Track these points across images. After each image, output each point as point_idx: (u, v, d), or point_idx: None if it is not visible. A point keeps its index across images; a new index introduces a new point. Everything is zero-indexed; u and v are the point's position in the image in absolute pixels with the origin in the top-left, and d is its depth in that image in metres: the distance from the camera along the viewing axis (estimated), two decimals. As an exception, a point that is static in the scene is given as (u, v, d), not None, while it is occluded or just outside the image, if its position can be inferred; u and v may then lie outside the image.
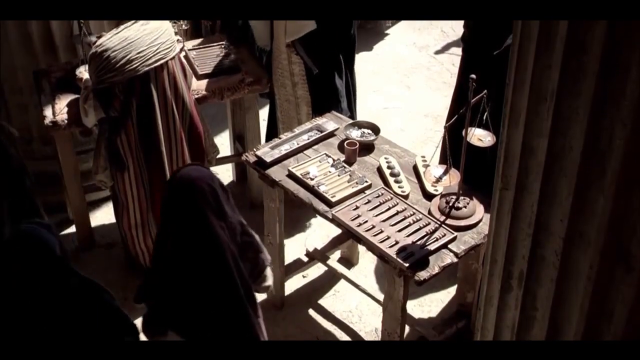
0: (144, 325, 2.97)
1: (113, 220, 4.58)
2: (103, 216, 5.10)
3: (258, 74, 4.60)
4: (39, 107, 4.43)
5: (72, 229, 4.89)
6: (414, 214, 3.63)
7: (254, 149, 4.14)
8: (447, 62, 6.85)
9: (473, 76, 3.21)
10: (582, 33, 1.92)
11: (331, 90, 4.65)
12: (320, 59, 4.57)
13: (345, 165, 3.95)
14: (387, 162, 3.96)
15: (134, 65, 3.68)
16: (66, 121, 4.19)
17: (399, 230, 3.55)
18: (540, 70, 2.09)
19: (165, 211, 2.83)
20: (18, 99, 4.80)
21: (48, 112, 4.25)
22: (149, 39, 3.72)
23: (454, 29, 7.33)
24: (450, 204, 3.61)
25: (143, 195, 4.04)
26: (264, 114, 5.37)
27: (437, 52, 7.06)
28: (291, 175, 3.90)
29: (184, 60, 4.08)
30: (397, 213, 3.65)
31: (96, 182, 4.22)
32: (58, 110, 4.22)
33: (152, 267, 3.05)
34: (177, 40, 3.99)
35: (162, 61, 3.78)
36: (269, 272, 3.13)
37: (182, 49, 4.05)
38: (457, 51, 6.74)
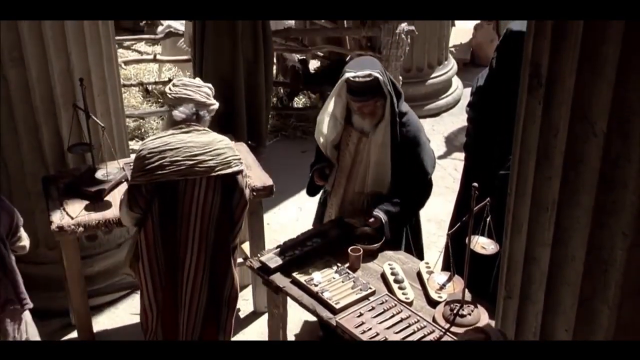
0: None
1: (115, 325, 4.54)
2: (105, 321, 5.06)
3: (263, 180, 4.66)
4: (45, 212, 4.47)
5: (74, 334, 4.85)
6: (418, 321, 3.61)
7: (258, 255, 4.15)
8: (450, 167, 6.94)
9: (475, 184, 3.26)
10: (579, 145, 1.97)
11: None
12: None
13: (349, 272, 3.95)
14: (390, 269, 3.96)
15: (164, 172, 3.72)
16: (72, 227, 4.23)
17: (404, 338, 3.51)
18: (540, 181, 2.13)
19: None
20: (25, 204, 4.85)
21: (55, 217, 4.30)
22: (189, 151, 3.73)
23: (456, 134, 7.47)
24: (455, 312, 3.59)
25: (159, 290, 3.96)
26: (267, 218, 5.41)
27: (440, 158, 7.15)
28: (295, 282, 3.90)
29: (242, 186, 3.88)
30: (402, 320, 3.62)
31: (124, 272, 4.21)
32: (65, 215, 4.27)
33: None
34: (233, 163, 3.82)
35: (193, 176, 3.74)
36: (23, 233, 3.72)
37: (240, 173, 3.86)
38: (459, 156, 6.84)
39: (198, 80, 4.16)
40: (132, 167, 3.87)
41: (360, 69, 4.08)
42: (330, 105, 4.28)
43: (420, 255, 4.47)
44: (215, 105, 4.01)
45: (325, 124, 4.32)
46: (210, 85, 4.13)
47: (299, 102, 8.25)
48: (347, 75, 4.07)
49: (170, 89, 4.02)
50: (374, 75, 4.04)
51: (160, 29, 8.42)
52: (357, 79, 4.04)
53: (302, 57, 8.13)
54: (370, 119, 4.18)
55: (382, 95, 4.08)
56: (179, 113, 3.84)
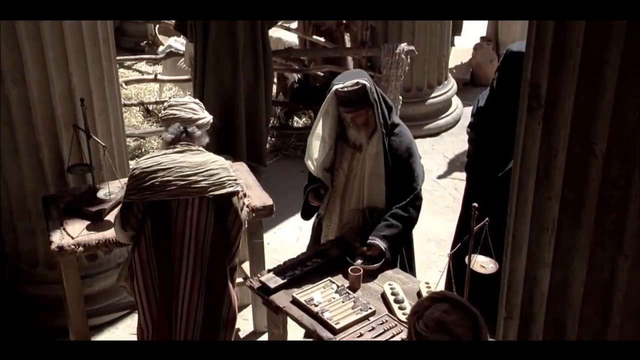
0: None
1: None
2: (105, 341, 5.05)
3: (263, 200, 4.67)
4: (46, 232, 4.47)
5: (73, 354, 4.83)
6: (419, 341, 3.60)
7: (258, 275, 4.15)
8: (450, 186, 6.95)
9: (475, 205, 3.26)
10: (579, 166, 1.98)
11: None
12: None
13: (350, 292, 3.95)
14: (391, 289, 3.96)
15: (155, 191, 3.73)
16: (73, 246, 4.22)
17: (404, 358, 3.50)
18: (540, 201, 2.13)
19: None
20: (26, 224, 4.86)
21: (55, 237, 4.30)
22: (181, 171, 3.73)
23: (456, 153, 7.49)
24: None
25: (154, 307, 3.95)
26: (268, 237, 5.41)
27: (440, 177, 7.18)
28: (295, 302, 3.89)
29: (236, 207, 3.85)
30: (402, 340, 3.61)
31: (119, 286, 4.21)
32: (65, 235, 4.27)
33: None
34: (227, 184, 3.80)
35: (185, 196, 3.74)
36: None
37: (235, 194, 3.84)
38: (460, 176, 6.86)
39: (187, 98, 4.18)
40: (126, 185, 3.89)
41: (347, 79, 4.13)
42: (318, 127, 4.30)
43: (412, 272, 4.47)
44: (205, 119, 4.00)
45: (315, 147, 4.35)
46: (196, 100, 4.14)
47: (299, 121, 8.27)
48: (336, 86, 4.11)
49: (161, 111, 4.05)
50: (362, 82, 4.07)
51: (161, 49, 8.46)
52: (345, 89, 4.07)
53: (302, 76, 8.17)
54: (365, 130, 4.21)
55: (371, 103, 4.11)
56: (168, 134, 3.88)
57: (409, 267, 4.47)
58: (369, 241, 4.16)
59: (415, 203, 4.26)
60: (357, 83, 4.07)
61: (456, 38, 10.15)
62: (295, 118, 8.26)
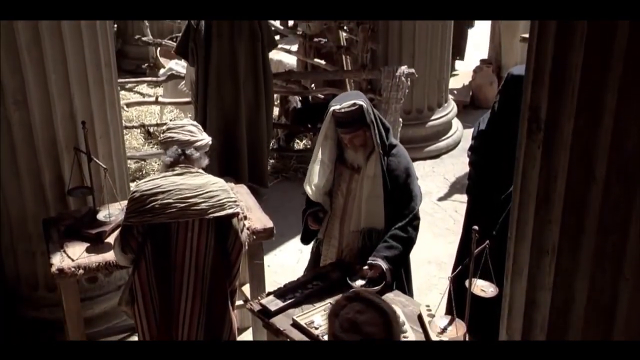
0: None
1: (114, 369, 4.50)
2: (104, 364, 5.03)
3: (264, 222, 4.67)
4: (46, 254, 4.47)
5: (73, 377, 4.81)
6: (419, 364, 3.58)
7: (259, 297, 4.14)
8: (450, 208, 6.95)
9: (475, 227, 3.26)
10: (579, 189, 1.99)
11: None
12: None
13: (350, 314, 3.93)
14: (392, 311, 3.94)
15: (155, 214, 3.72)
16: (73, 269, 4.22)
17: (405, 382, 3.48)
18: (540, 225, 2.14)
19: None
20: (26, 247, 4.86)
21: (55, 259, 4.29)
22: (180, 194, 3.72)
23: (456, 176, 7.50)
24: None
25: (154, 330, 3.95)
26: (268, 260, 5.40)
27: (440, 199, 7.18)
28: (296, 325, 3.88)
29: (237, 229, 3.85)
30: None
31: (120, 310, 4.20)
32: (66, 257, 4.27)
33: None
34: (227, 205, 3.79)
35: (185, 219, 3.73)
36: None
37: (235, 216, 3.83)
38: (460, 198, 6.86)
39: (185, 121, 4.19)
40: (126, 208, 3.89)
41: (344, 101, 4.15)
42: (318, 154, 4.32)
43: (410, 293, 4.46)
44: (203, 140, 4.01)
45: (315, 172, 4.36)
46: (194, 122, 4.16)
47: (300, 143, 8.30)
48: (333, 108, 4.13)
49: (160, 135, 4.07)
50: (359, 103, 4.10)
51: (162, 71, 8.51)
52: (342, 110, 4.09)
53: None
54: (363, 150, 4.22)
55: (368, 124, 4.13)
56: (167, 157, 3.88)
57: (407, 288, 4.47)
58: (369, 261, 4.16)
59: (414, 223, 4.27)
60: (354, 104, 4.09)
61: (457, 61, 10.24)
62: (296, 140, 8.29)
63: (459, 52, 10.14)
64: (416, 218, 4.28)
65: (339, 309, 2.67)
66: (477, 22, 10.60)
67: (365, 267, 4.16)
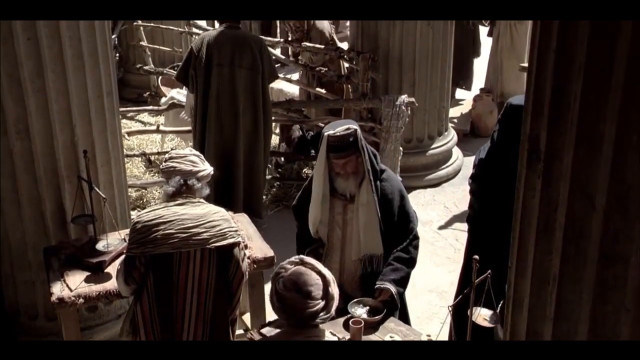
0: None
1: (113, 399, 4.47)
2: (103, 395, 4.99)
3: (264, 251, 4.66)
4: (46, 283, 4.46)
5: (71, 407, 4.77)
6: (421, 395, 3.56)
7: (259, 327, 4.12)
8: (451, 237, 6.94)
9: (476, 257, 3.26)
10: (579, 219, 1.99)
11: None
12: None
13: (351, 344, 3.91)
14: (393, 341, 3.92)
15: (157, 244, 3.72)
16: (73, 298, 4.21)
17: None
18: (541, 255, 2.14)
19: None
20: (26, 276, 4.85)
21: (55, 289, 4.28)
22: (182, 224, 3.72)
23: (457, 204, 7.50)
24: None
25: None
26: (268, 289, 5.37)
27: (441, 228, 7.17)
28: (296, 354, 3.85)
29: (238, 258, 3.84)
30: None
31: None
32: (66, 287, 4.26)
33: None
34: (229, 235, 3.80)
35: (187, 249, 3.73)
36: None
37: (236, 245, 3.83)
38: (461, 226, 6.86)
39: (187, 150, 4.20)
40: (127, 238, 3.89)
41: (337, 127, 4.22)
42: (316, 185, 4.35)
43: (407, 320, 4.47)
44: (206, 171, 4.02)
45: (314, 208, 4.38)
46: (197, 152, 4.17)
47: (302, 172, 8.31)
48: (327, 133, 4.18)
49: (162, 163, 4.08)
50: (353, 128, 4.16)
51: (163, 100, 8.55)
52: (337, 134, 4.14)
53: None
54: (354, 178, 4.25)
55: (360, 150, 4.18)
56: (169, 187, 3.88)
57: (403, 314, 4.47)
58: (378, 285, 4.17)
59: (414, 243, 4.34)
60: (349, 128, 4.15)
61: (457, 90, 10.28)
62: (296, 168, 8.30)
63: (465, 82, 10.20)
64: (416, 238, 4.35)
65: (283, 271, 3.16)
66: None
67: (375, 294, 4.17)
